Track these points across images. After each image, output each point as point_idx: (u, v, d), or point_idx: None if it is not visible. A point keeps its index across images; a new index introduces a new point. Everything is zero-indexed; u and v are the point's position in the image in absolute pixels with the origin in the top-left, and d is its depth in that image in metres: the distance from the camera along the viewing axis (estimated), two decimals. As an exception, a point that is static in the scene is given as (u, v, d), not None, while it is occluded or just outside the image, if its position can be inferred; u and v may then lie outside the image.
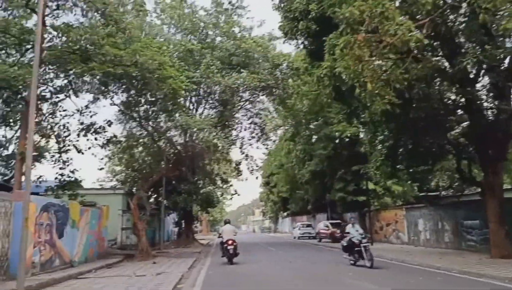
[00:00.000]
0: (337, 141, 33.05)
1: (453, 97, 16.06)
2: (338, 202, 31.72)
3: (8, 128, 22.18)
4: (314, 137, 37.52)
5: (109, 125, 21.82)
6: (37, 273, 11.98)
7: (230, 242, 16.36)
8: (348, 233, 14.81)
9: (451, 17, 15.02)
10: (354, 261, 14.38)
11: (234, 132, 29.71)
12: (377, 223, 29.17)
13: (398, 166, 19.92)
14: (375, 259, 17.17)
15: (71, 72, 17.26)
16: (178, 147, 24.27)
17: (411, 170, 20.31)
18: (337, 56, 10.97)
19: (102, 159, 22.77)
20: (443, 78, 14.30)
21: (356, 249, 14.09)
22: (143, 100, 20.89)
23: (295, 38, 17.68)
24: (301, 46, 19.47)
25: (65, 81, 19.58)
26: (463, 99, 16.15)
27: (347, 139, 32.54)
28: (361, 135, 31.82)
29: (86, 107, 20.48)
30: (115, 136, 21.54)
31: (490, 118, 15.96)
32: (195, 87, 22.14)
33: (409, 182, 29.95)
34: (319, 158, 33.43)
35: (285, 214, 61.24)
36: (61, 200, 14.90)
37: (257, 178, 39.00)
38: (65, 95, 19.45)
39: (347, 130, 28.39)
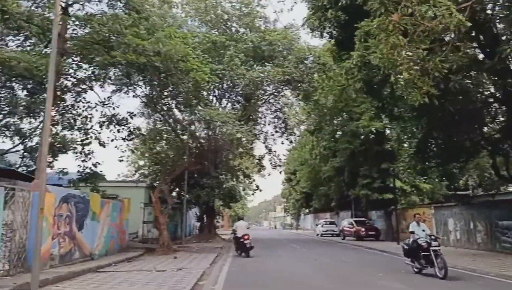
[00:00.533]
0: (362, 137, 32.15)
1: (491, 89, 15.11)
2: (363, 199, 30.78)
3: (32, 119, 22.27)
4: (338, 133, 36.71)
5: (132, 117, 21.64)
6: (56, 266, 11.76)
7: (246, 237, 17.38)
8: (412, 232, 12.15)
9: (490, 5, 14.16)
10: (419, 269, 11.83)
11: (257, 127, 29.15)
12: (403, 222, 28.16)
13: (428, 163, 19.05)
14: (402, 258, 16.53)
15: (94, 62, 17.02)
16: (201, 141, 23.91)
17: (441, 167, 19.42)
18: (371, 44, 10.25)
19: (124, 151, 22.46)
20: (481, 69, 13.38)
21: (423, 253, 11.45)
22: (166, 93, 20.60)
23: (323, 28, 16.96)
24: (328, 37, 18.72)
25: (89, 72, 19.54)
26: (500, 92, 15.25)
27: (372, 136, 31.67)
28: (387, 131, 30.94)
29: (109, 98, 20.30)
30: (138, 128, 21.30)
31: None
32: (218, 80, 21.67)
33: (437, 180, 29.04)
34: (343, 154, 32.57)
35: (307, 211, 60.48)
36: (81, 192, 14.68)
37: (280, 172, 38.31)
38: (88, 86, 19.33)
39: (373, 125, 27.46)
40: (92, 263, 13.46)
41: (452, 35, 10.56)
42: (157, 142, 25.14)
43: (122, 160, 23.27)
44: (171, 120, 22.76)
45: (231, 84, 26.89)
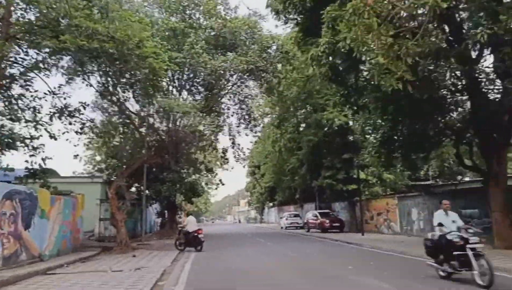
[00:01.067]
0: (326, 129, 32.04)
1: (456, 77, 15.00)
2: (327, 191, 30.63)
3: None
4: (302, 125, 36.50)
5: (84, 108, 20.27)
6: (-2, 269, 10.56)
7: (200, 231, 18.01)
8: (440, 225, 9.26)
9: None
10: (448, 273, 9.02)
11: (220, 118, 28.22)
12: (367, 212, 28.30)
13: (392, 154, 18.89)
14: (370, 249, 16.28)
15: (41, 47, 15.64)
16: (160, 133, 22.78)
17: (405, 158, 19.32)
18: (341, 28, 9.67)
19: (76, 145, 21.03)
20: (448, 56, 13.16)
21: (456, 253, 8.54)
22: (122, 82, 19.36)
23: (288, 13, 16.32)
24: (293, 24, 18.14)
25: (38, 58, 18.08)
26: (464, 80, 15.19)
27: (336, 128, 31.61)
28: (351, 123, 30.94)
29: (59, 87, 18.86)
30: (91, 120, 19.99)
31: (495, 99, 14.98)
32: (178, 68, 20.60)
33: (400, 171, 29.30)
34: (307, 145, 32.34)
35: (271, 204, 60.25)
36: (28, 187, 13.40)
37: (244, 166, 37.65)
38: (36, 74, 17.83)
39: (337, 118, 27.30)
40: (41, 264, 12.30)
41: (423, 19, 10.16)
42: (112, 135, 23.81)
43: (77, 155, 21.80)
44: (127, 112, 21.47)
45: (192, 74, 25.85)
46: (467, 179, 29.20)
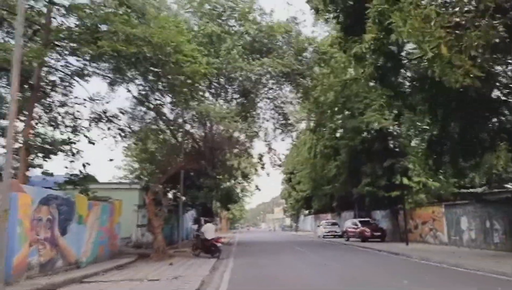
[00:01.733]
0: (365, 134, 30.90)
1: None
2: (367, 198, 29.40)
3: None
4: (340, 131, 35.52)
5: (123, 113, 20.29)
6: (34, 276, 10.34)
7: (220, 240, 18.56)
8: None
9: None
10: None
11: (256, 124, 27.71)
12: (411, 221, 26.92)
13: (441, 159, 17.72)
14: (419, 261, 15.20)
15: (79, 53, 15.66)
16: (197, 138, 22.49)
17: (454, 163, 18.09)
18: (396, 19, 8.88)
19: (113, 150, 21.03)
20: (507, 50, 12.08)
21: None
22: (159, 87, 19.21)
23: (328, 11, 15.61)
24: (334, 22, 17.36)
25: (77, 66, 18.22)
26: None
27: (373, 132, 30.42)
28: (391, 128, 29.73)
29: (98, 93, 18.95)
30: (129, 126, 19.91)
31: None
32: (215, 71, 20.21)
33: (448, 177, 27.78)
34: (346, 151, 31.30)
35: (306, 212, 59.08)
36: (65, 193, 13.28)
37: (280, 172, 36.93)
38: (75, 80, 17.94)
39: (377, 121, 26.16)
40: (77, 272, 12.06)
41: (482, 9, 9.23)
42: (149, 140, 23.73)
43: (112, 159, 21.83)
44: (164, 118, 21.33)
45: (228, 80, 25.51)
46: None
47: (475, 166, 18.74)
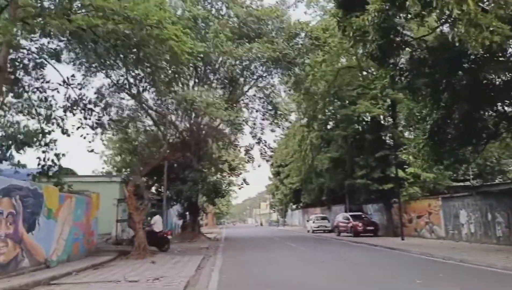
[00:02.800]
0: (357, 125, 29.85)
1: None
2: (361, 191, 28.25)
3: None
4: (331, 123, 34.48)
5: (101, 100, 18.78)
6: (-8, 279, 8.89)
7: (169, 232, 19.54)
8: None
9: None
10: None
11: (245, 115, 26.48)
12: (405, 215, 25.88)
13: (443, 148, 16.64)
14: (422, 257, 14.14)
15: (48, 27, 14.09)
16: (181, 128, 21.09)
17: (457, 152, 17.06)
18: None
19: (91, 142, 19.42)
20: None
21: None
22: (141, 70, 17.73)
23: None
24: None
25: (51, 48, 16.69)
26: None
27: (366, 123, 29.41)
28: (382, 119, 28.75)
29: (73, 76, 17.37)
30: (108, 114, 18.38)
31: None
32: (201, 55, 18.76)
33: (439, 170, 26.90)
34: (338, 142, 30.14)
35: (294, 206, 58.03)
36: (31, 183, 11.80)
37: (271, 164, 35.66)
38: (47, 62, 16.35)
39: (372, 111, 25.05)
40: (46, 272, 10.63)
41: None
42: (130, 130, 22.26)
43: (93, 150, 20.24)
44: (146, 105, 19.90)
45: (216, 65, 24.13)
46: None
47: (474, 153, 17.86)
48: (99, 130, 18.76)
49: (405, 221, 25.69)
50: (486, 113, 15.08)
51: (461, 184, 30.49)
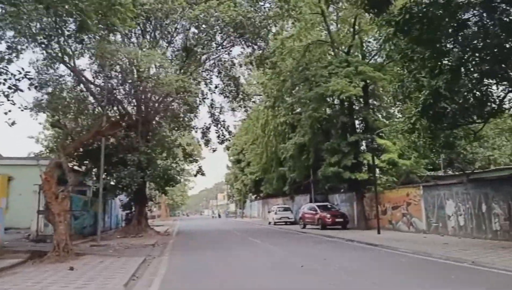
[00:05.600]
0: (328, 108, 27.04)
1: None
2: (329, 179, 25.33)
3: None
4: (297, 104, 31.65)
5: (17, 56, 14.63)
6: None
7: None
8: None
9: None
10: None
11: (202, 87, 22.84)
12: (378, 206, 23.38)
13: (437, 125, 13.93)
14: (418, 256, 11.39)
15: None
16: (122, 99, 17.25)
17: (451, 131, 14.46)
18: None
19: (7, 113, 15.09)
20: None
21: None
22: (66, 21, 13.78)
23: None
24: None
25: None
26: None
27: (336, 104, 26.68)
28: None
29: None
30: (25, 75, 14.18)
31: None
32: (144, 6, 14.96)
33: (415, 157, 24.66)
34: (304, 127, 27.20)
35: (253, 197, 55.02)
36: None
37: (230, 151, 32.29)
38: None
39: (348, 91, 22.03)
40: None
41: None
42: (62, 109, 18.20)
43: (14, 123, 15.91)
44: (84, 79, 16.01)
45: (167, 29, 20.35)
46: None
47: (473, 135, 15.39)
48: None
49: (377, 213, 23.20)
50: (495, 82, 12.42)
51: (433, 173, 28.58)
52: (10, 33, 14.56)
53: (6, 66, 14.15)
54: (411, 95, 13.76)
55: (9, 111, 14.54)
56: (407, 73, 13.88)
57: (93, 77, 20.91)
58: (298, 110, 32.44)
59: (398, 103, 16.42)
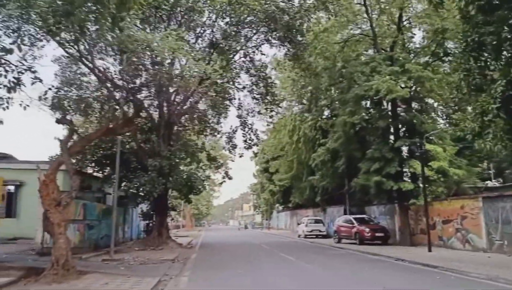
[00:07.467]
0: (370, 110, 24.27)
1: None
2: (369, 190, 22.64)
3: None
4: (328, 110, 29.32)
5: (19, 48, 12.95)
6: None
7: None
8: None
9: None
10: None
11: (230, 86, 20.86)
12: (424, 220, 20.65)
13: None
14: (487, 282, 8.87)
15: None
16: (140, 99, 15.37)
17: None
18: None
19: (5, 109, 13.36)
20: None
21: None
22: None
23: None
24: None
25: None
26: None
27: (376, 105, 24.04)
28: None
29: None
30: (29, 68, 12.41)
31: None
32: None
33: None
34: (339, 132, 24.62)
35: (281, 207, 52.47)
36: None
37: (257, 158, 30.22)
38: None
39: (395, 91, 19.31)
40: None
41: None
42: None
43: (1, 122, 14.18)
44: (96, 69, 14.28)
45: (193, 23, 18.53)
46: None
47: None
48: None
49: (423, 228, 20.52)
50: None
51: (488, 183, 25.72)
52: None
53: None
54: (484, 87, 11.29)
55: (27, 105, 12.78)
56: (474, 64, 11.46)
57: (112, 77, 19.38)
58: (326, 113, 30.20)
59: (460, 97, 13.88)
